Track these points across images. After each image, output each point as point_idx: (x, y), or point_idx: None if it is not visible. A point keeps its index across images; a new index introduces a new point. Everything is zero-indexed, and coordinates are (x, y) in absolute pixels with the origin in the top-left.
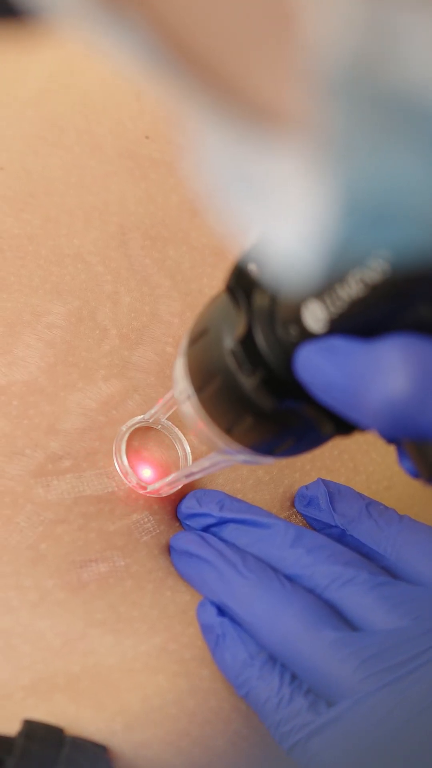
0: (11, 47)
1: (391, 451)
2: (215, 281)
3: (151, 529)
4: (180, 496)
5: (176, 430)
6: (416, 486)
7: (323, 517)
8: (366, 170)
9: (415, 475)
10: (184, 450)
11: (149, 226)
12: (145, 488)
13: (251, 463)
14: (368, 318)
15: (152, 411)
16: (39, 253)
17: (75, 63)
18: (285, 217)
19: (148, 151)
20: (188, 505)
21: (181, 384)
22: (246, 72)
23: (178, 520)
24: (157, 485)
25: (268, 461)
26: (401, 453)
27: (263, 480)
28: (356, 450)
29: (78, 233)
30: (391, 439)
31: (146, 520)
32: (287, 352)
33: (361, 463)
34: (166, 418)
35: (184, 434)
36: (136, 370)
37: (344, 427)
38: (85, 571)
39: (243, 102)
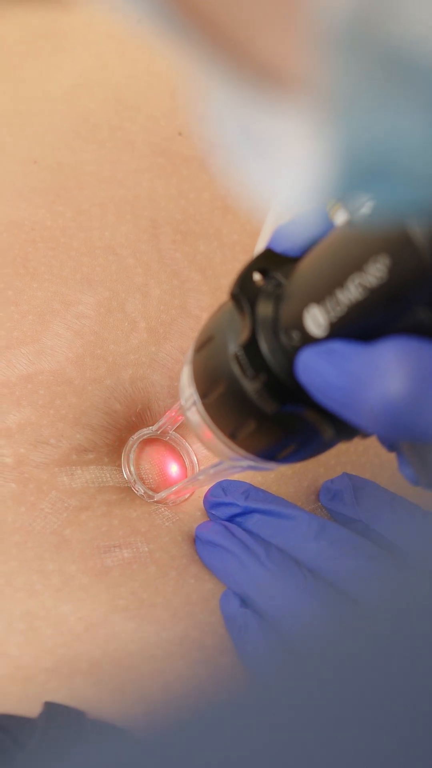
0: (44, 43)
1: None
2: None
3: (171, 515)
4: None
5: (184, 441)
6: None
7: (347, 511)
8: (367, 126)
9: (416, 482)
10: (191, 460)
11: (180, 221)
12: (152, 497)
13: (255, 470)
14: (367, 322)
15: (160, 422)
16: (70, 244)
17: (107, 59)
18: (289, 174)
19: (180, 147)
20: (214, 494)
21: (188, 391)
22: (251, 32)
23: (198, 508)
24: (163, 494)
25: (272, 467)
26: (401, 460)
27: (286, 474)
28: (374, 441)
29: (109, 226)
30: (390, 444)
31: (163, 508)
32: (289, 357)
33: (387, 458)
34: (174, 430)
35: (190, 445)
36: (161, 371)
37: (345, 432)
38: (109, 556)
39: (247, 60)
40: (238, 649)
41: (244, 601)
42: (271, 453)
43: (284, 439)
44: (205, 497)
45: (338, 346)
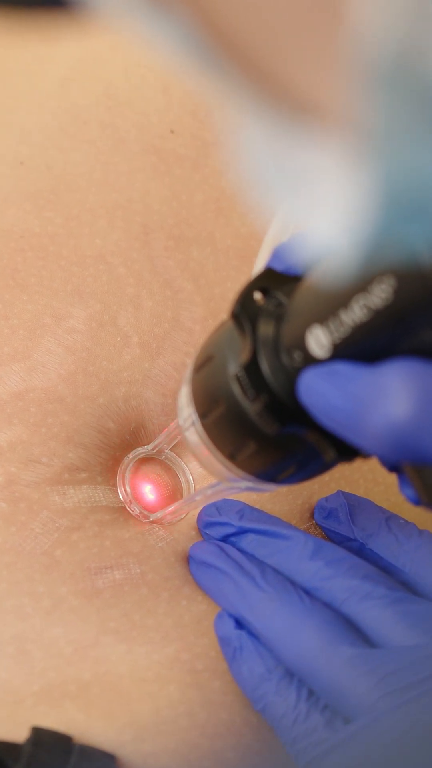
0: (34, 36)
1: None
2: (239, 285)
3: (165, 536)
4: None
5: (179, 460)
6: None
7: (342, 530)
8: (406, 163)
9: (417, 502)
10: (187, 480)
11: (173, 226)
12: (147, 517)
13: (254, 491)
14: (371, 343)
15: (156, 442)
16: (60, 253)
17: (99, 53)
18: (325, 210)
19: (173, 146)
20: (208, 513)
21: (186, 411)
22: (287, 63)
23: (193, 528)
24: (159, 515)
25: (271, 488)
26: (402, 480)
27: (282, 491)
28: (374, 461)
29: (100, 232)
30: (392, 465)
31: (158, 528)
32: (291, 378)
33: (381, 474)
34: (170, 449)
35: (186, 464)
36: (155, 388)
37: (347, 453)
38: (100, 577)
39: (284, 94)
40: (233, 671)
41: (239, 623)
42: (270, 474)
43: (284, 460)
44: (199, 516)
45: (341, 368)
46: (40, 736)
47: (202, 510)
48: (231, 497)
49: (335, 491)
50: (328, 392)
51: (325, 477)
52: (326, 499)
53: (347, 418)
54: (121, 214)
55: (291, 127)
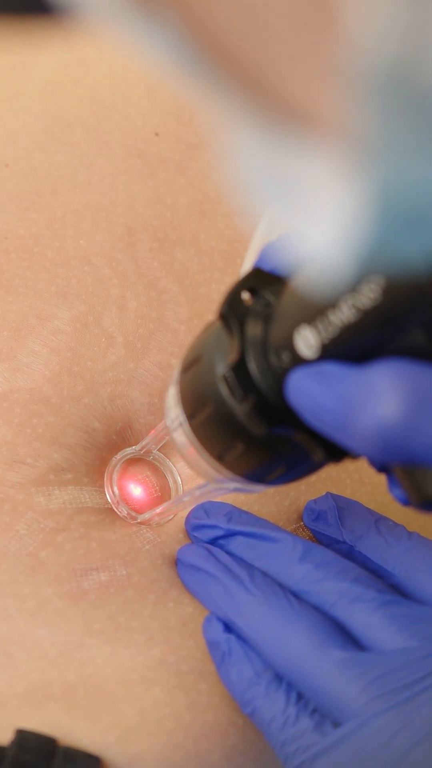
0: (19, 39)
1: None
2: (223, 286)
3: (152, 538)
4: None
5: (168, 461)
6: None
7: (331, 532)
8: (402, 173)
9: (406, 503)
10: (175, 481)
11: (157, 228)
12: (135, 518)
13: (242, 491)
14: (360, 343)
15: (144, 442)
16: (45, 254)
17: (83, 56)
18: (319, 220)
19: (157, 149)
20: (196, 516)
21: (173, 412)
22: (281, 71)
23: (180, 530)
24: (147, 515)
25: (259, 489)
26: (392, 481)
27: (268, 493)
28: (362, 461)
29: (84, 234)
30: (381, 466)
31: (145, 530)
32: (279, 379)
33: (367, 474)
34: (158, 450)
35: (174, 465)
36: (140, 388)
37: (335, 453)
38: (86, 579)
39: (277, 101)
40: (222, 675)
41: (228, 627)
42: (259, 475)
43: (273, 461)
44: (187, 519)
45: (330, 368)
46: (24, 739)
47: (190, 513)
48: (219, 499)
49: (323, 493)
50: (317, 393)
51: (312, 478)
52: (315, 501)
53: (336, 418)
54: (105, 216)
55: (284, 134)
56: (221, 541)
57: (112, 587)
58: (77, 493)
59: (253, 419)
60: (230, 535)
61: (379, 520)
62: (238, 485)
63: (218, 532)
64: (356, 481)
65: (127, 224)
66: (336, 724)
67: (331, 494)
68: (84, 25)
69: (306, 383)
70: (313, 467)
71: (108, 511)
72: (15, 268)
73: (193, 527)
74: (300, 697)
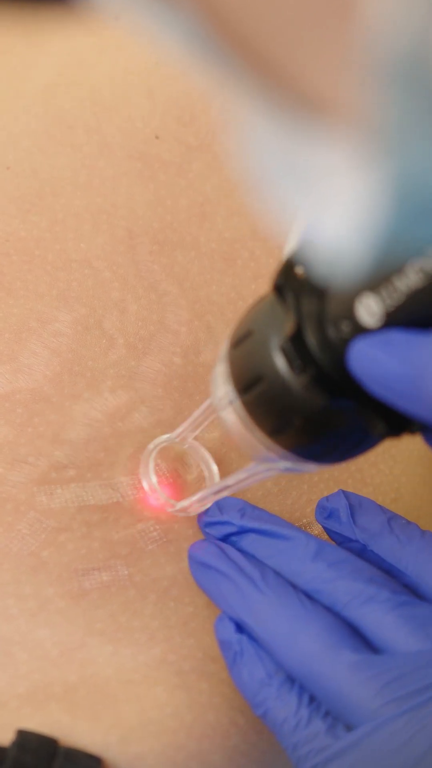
0: (19, 39)
1: (398, 461)
2: (224, 288)
3: (158, 537)
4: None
5: (202, 449)
6: (423, 497)
7: (344, 530)
8: (419, 161)
9: None
10: (210, 470)
11: (157, 230)
12: (173, 506)
13: (292, 472)
14: (427, 309)
15: (179, 430)
16: (46, 257)
17: (84, 57)
18: (335, 209)
19: (158, 151)
20: (210, 513)
21: (222, 389)
22: (298, 59)
23: (187, 528)
24: (186, 503)
25: (311, 468)
26: None
27: (272, 491)
28: (364, 461)
29: (85, 237)
30: None
31: (152, 528)
32: (338, 350)
33: (369, 474)
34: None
35: (210, 454)
36: (143, 381)
37: (395, 426)
38: (87, 579)
39: (294, 90)
40: (233, 676)
41: (239, 627)
42: (314, 451)
43: (328, 437)
44: (199, 516)
45: (397, 336)
46: (25, 739)
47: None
48: (265, 480)
49: (326, 493)
50: (383, 360)
51: (314, 478)
52: (327, 498)
53: (405, 385)
54: (105, 218)
55: (300, 122)
56: (233, 538)
57: (113, 587)
58: (79, 491)
59: (313, 391)
60: (243, 532)
61: (391, 518)
62: (288, 464)
63: (231, 529)
64: (358, 481)
65: (127, 227)
66: (349, 728)
67: (344, 491)
68: (92, 14)
69: (371, 351)
70: (369, 443)
71: (110, 509)
72: (16, 271)
73: (205, 524)
74: (312, 699)
